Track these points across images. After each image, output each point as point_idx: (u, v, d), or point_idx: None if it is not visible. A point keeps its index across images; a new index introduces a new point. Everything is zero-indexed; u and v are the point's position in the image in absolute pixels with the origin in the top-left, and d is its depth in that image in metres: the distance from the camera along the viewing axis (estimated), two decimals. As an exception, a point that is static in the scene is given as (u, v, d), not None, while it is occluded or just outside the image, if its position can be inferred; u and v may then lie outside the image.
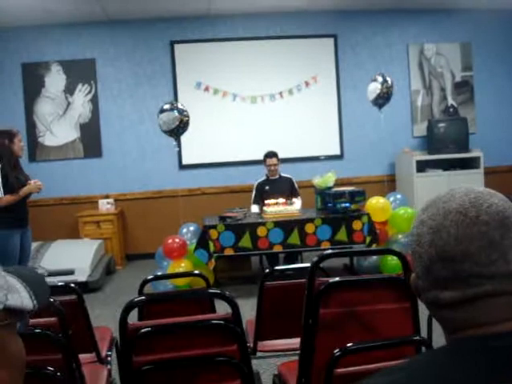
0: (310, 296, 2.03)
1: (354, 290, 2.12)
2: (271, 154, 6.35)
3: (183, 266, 5.48)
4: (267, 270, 2.90)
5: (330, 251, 2.36)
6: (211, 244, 5.46)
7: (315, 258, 2.17)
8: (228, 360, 1.81)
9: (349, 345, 1.91)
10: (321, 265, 2.78)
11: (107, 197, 7.26)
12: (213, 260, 5.48)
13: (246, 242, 5.51)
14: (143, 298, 1.90)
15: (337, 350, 1.90)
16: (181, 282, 5.25)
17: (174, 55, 7.49)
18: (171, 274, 4.80)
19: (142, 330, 1.77)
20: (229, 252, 5.53)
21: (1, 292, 0.60)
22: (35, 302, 0.64)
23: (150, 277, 2.96)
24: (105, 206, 7.12)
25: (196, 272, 2.95)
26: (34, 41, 7.34)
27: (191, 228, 5.97)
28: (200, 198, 7.35)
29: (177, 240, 5.56)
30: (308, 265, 2.85)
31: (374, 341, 2.00)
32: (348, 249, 5.69)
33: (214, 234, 5.48)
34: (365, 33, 7.67)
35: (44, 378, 1.72)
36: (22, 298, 0.63)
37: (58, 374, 1.78)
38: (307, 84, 7.67)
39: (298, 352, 2.72)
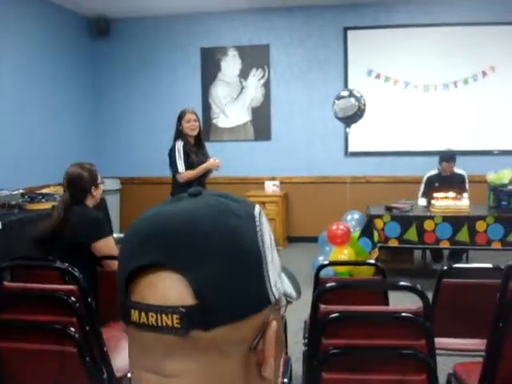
0: (503, 299, 1.96)
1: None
2: (449, 158, 6.08)
3: (346, 253, 5.51)
4: (445, 267, 2.84)
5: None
6: (376, 233, 5.43)
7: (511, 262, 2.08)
8: (416, 354, 1.81)
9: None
10: (495, 265, 2.68)
11: (273, 179, 7.49)
12: (376, 250, 5.45)
13: (411, 234, 5.41)
14: (333, 284, 1.96)
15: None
16: (342, 268, 5.29)
17: (347, 41, 7.48)
18: (346, 262, 4.86)
19: (333, 315, 1.83)
20: (393, 243, 5.46)
21: (280, 278, 0.63)
22: (297, 293, 0.67)
23: (324, 262, 3.03)
24: (271, 187, 7.35)
25: (372, 262, 2.96)
26: (213, 26, 7.72)
27: (355, 216, 5.98)
28: (365, 187, 7.31)
29: (341, 227, 5.59)
30: (492, 265, 2.76)
31: None
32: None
33: (379, 223, 5.44)
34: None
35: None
36: (289, 287, 0.66)
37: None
38: (484, 74, 7.27)
39: (474, 354, 2.66)
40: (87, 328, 2.28)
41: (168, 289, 0.55)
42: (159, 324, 0.54)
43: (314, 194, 7.50)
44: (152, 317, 0.54)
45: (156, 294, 0.55)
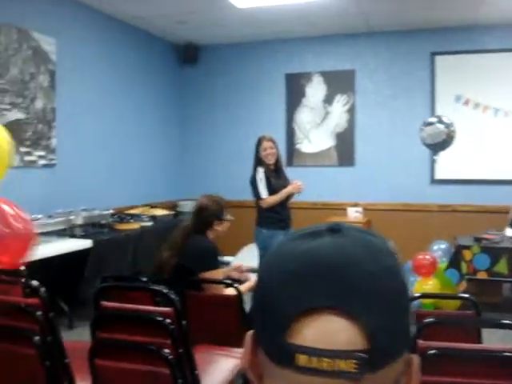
0: None
1: None
2: None
3: (431, 283, 5.36)
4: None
5: None
6: (464, 265, 5.27)
7: None
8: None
9: None
10: None
11: (356, 205, 7.41)
12: (464, 282, 5.28)
13: (501, 267, 5.20)
14: (433, 319, 1.91)
15: None
16: (428, 301, 5.15)
17: (434, 67, 7.35)
18: (437, 295, 4.77)
19: (431, 351, 1.79)
20: (482, 275, 5.27)
21: None
22: None
23: (417, 294, 2.96)
24: (353, 213, 7.28)
25: (467, 296, 2.87)
26: (298, 52, 7.80)
27: (442, 246, 5.82)
28: (451, 216, 7.10)
29: (427, 257, 5.46)
30: None
31: None
32: None
33: (467, 254, 5.27)
34: None
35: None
36: None
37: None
38: None
39: None
40: (181, 350, 2.32)
41: (339, 332, 0.55)
42: (335, 369, 0.54)
43: (397, 221, 7.36)
44: (326, 362, 0.54)
45: (327, 338, 0.55)
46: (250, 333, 0.64)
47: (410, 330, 0.60)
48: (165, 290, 2.46)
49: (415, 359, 0.61)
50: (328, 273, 0.56)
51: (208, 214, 3.21)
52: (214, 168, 8.14)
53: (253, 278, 3.60)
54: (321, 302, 0.55)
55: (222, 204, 3.31)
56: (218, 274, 3.16)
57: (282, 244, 0.63)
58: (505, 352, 1.75)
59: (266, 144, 5.14)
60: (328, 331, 0.55)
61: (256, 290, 0.63)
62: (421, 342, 1.82)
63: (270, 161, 5.14)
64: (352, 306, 0.55)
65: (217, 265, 3.17)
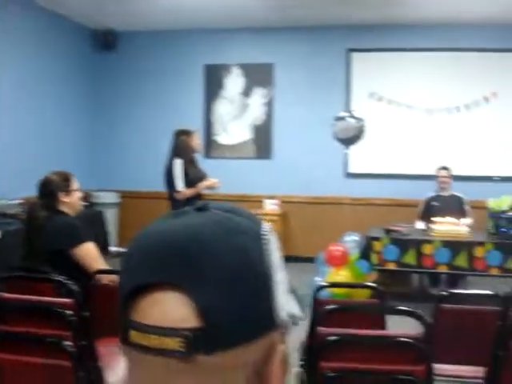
0: (503, 328, 1.95)
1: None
2: (444, 167, 6.20)
3: (343, 274, 5.48)
4: (444, 293, 2.82)
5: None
6: (374, 256, 5.42)
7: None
8: (414, 380, 1.79)
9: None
10: (494, 292, 2.67)
11: (273, 197, 7.48)
12: (373, 272, 5.43)
13: (410, 258, 5.40)
14: (334, 306, 1.94)
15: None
16: (339, 290, 5.26)
17: (350, 63, 7.52)
18: (345, 284, 4.85)
19: (332, 338, 1.82)
20: (391, 266, 5.45)
21: (287, 300, 0.60)
22: (302, 312, 0.64)
23: (322, 283, 3.01)
24: (270, 206, 7.35)
25: (372, 284, 2.95)
26: (218, 43, 7.76)
27: (354, 237, 5.96)
28: (365, 209, 7.30)
29: (339, 248, 5.58)
30: (489, 292, 2.75)
31: None
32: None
33: (377, 246, 5.43)
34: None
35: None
36: (295, 306, 0.62)
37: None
38: (486, 99, 7.30)
39: (474, 381, 2.63)
40: (82, 342, 2.25)
41: (172, 308, 0.52)
42: (162, 347, 0.51)
43: (313, 214, 7.49)
44: (154, 339, 0.51)
45: (159, 314, 0.52)
46: None
47: (272, 313, 0.56)
48: (65, 281, 2.37)
49: (279, 348, 0.57)
50: (171, 250, 0.54)
51: (52, 187, 3.06)
52: (128, 157, 7.96)
53: None
54: (156, 277, 0.53)
55: (67, 176, 3.16)
56: (89, 248, 3.00)
57: (153, 222, 0.61)
58: (400, 337, 1.80)
59: (197, 135, 5.30)
60: (162, 308, 0.53)
61: None
62: (321, 329, 1.85)
63: (199, 151, 5.31)
64: (185, 281, 0.52)
65: (83, 238, 2.99)
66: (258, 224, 0.59)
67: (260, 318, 0.55)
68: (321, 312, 1.88)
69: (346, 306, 2.36)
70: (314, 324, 1.84)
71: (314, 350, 1.85)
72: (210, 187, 5.18)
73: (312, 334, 1.85)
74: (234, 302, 0.53)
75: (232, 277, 0.53)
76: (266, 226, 0.60)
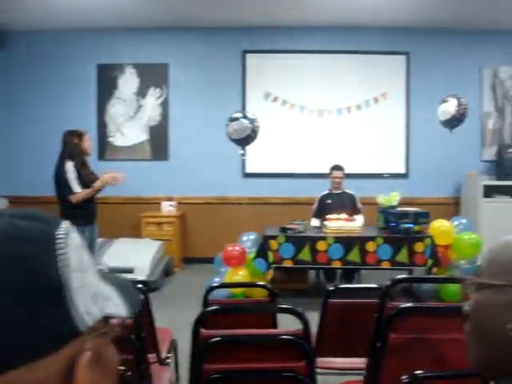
0: (380, 319, 2.01)
1: (424, 316, 2.09)
2: (338, 167, 6.35)
3: (241, 274, 5.51)
4: (332, 288, 2.89)
5: (403, 276, 2.34)
6: (270, 254, 5.48)
7: (388, 282, 2.14)
8: (295, 376, 1.81)
9: (418, 372, 1.88)
10: (379, 285, 2.77)
11: (170, 199, 7.39)
12: (271, 270, 5.50)
13: (305, 255, 5.50)
14: (217, 307, 1.93)
15: (405, 377, 1.87)
16: (237, 290, 5.29)
17: (245, 64, 7.58)
18: (237, 284, 4.84)
19: (214, 339, 1.80)
20: (287, 264, 5.53)
21: (99, 300, 0.57)
22: (129, 309, 0.61)
23: (215, 284, 3.00)
24: (167, 207, 7.26)
25: (261, 283, 2.96)
26: (110, 43, 7.57)
27: (251, 237, 6.00)
28: (262, 208, 7.38)
29: (237, 248, 5.60)
30: (374, 285, 2.85)
31: (443, 370, 1.96)
32: (408, 270, 5.62)
33: (274, 244, 5.50)
34: (438, 52, 7.55)
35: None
36: (116, 305, 0.60)
37: (129, 373, 1.84)
38: (376, 100, 7.61)
39: (358, 372, 2.71)
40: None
41: None
42: None
43: (211, 214, 7.48)
44: None
45: None
46: None
47: (64, 323, 0.52)
48: None
49: (85, 356, 0.54)
50: None
51: None
52: (17, 161, 7.58)
53: None
54: None
55: None
56: None
57: None
58: (282, 335, 1.81)
59: (88, 136, 5.13)
60: None
61: None
62: (204, 331, 1.83)
63: (90, 152, 5.17)
64: None
65: None
66: (51, 227, 0.56)
67: (46, 332, 0.51)
68: (202, 314, 1.86)
69: (227, 307, 2.36)
70: (195, 326, 1.81)
71: (197, 352, 1.83)
72: (110, 183, 5.01)
73: (194, 336, 1.83)
74: (8, 316, 0.49)
75: (4, 290, 0.49)
76: (64, 229, 0.57)
